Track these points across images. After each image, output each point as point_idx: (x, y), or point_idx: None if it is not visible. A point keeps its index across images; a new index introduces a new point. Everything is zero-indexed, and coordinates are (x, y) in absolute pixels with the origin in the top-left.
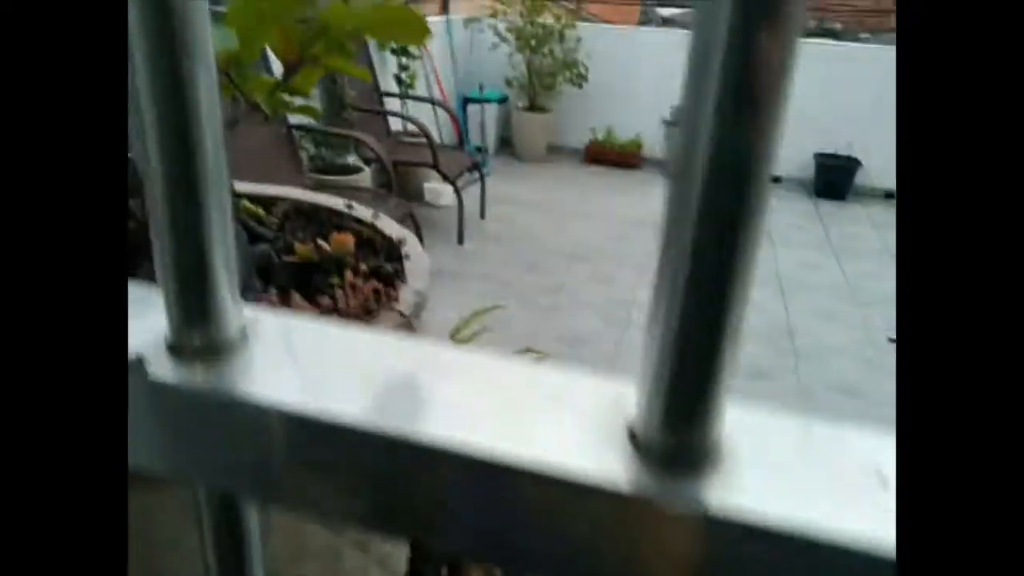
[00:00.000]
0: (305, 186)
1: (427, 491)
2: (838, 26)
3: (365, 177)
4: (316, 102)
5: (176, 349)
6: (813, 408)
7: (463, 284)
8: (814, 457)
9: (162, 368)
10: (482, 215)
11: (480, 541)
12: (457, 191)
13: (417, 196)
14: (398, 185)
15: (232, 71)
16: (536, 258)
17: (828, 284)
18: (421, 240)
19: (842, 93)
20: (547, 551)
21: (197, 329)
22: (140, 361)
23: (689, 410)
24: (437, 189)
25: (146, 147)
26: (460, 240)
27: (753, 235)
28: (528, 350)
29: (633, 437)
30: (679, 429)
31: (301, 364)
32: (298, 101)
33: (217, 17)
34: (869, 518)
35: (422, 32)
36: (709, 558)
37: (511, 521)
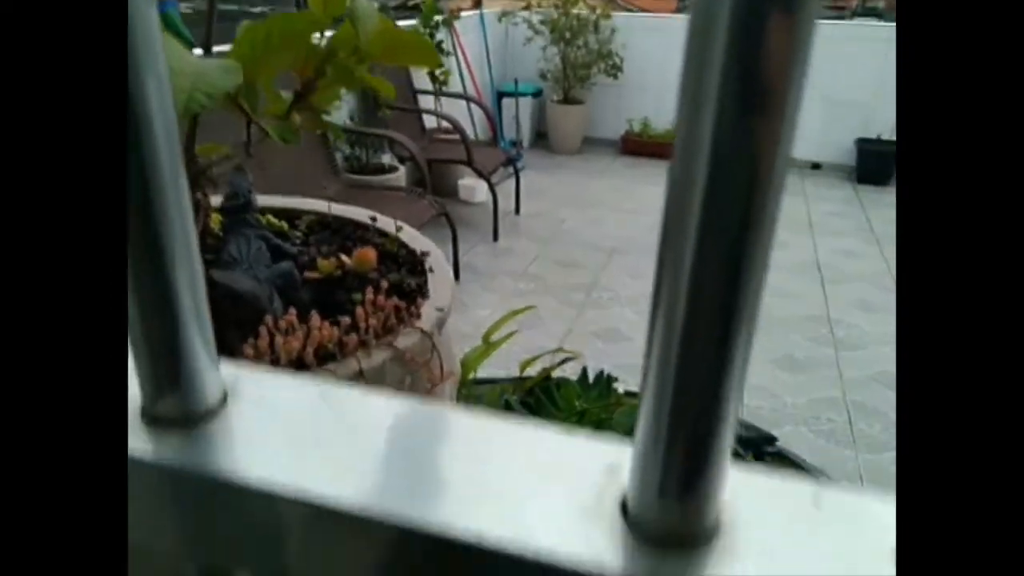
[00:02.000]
0: (340, 186)
1: (410, 571)
2: (881, 5)
3: (400, 176)
4: (346, 106)
5: (151, 419)
6: (856, 400)
7: (498, 281)
8: (821, 529)
9: (136, 440)
10: (517, 211)
11: None
12: (491, 187)
13: (452, 193)
14: (433, 182)
15: (243, 98)
16: (572, 253)
17: (870, 272)
18: (455, 238)
19: (884, 75)
20: None
21: (172, 398)
22: None
23: (686, 481)
24: (472, 186)
25: None
26: (495, 237)
27: (757, 287)
28: (559, 350)
29: (625, 511)
30: (674, 503)
31: (283, 432)
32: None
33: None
34: None
35: (431, 58)
36: None
37: None
